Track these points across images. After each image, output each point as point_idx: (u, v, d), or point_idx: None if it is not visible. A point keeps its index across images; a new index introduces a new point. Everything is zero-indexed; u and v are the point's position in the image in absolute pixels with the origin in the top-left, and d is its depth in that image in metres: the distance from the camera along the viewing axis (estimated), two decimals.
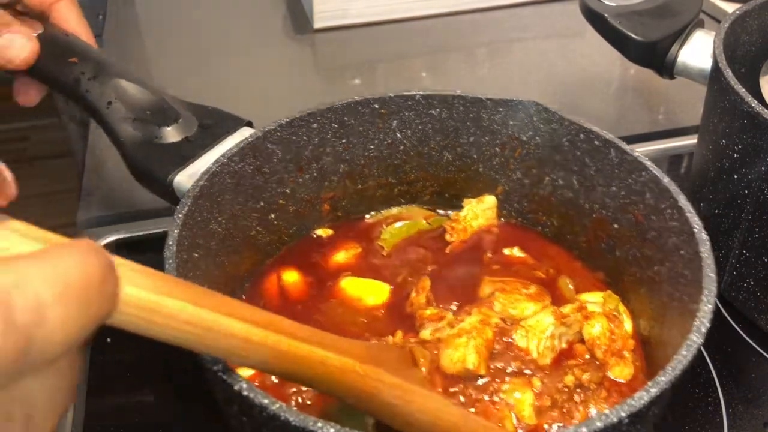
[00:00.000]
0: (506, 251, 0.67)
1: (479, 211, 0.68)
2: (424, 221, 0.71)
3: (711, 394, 0.64)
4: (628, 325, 0.60)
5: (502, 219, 0.70)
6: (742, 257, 0.67)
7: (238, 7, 1.24)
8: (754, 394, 0.65)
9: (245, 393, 0.42)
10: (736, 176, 0.66)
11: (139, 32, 1.20)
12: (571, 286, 0.64)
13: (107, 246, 0.80)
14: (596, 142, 0.62)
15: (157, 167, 0.61)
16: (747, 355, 0.68)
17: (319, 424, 0.41)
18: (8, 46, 0.63)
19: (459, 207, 0.69)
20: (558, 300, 0.62)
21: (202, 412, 0.62)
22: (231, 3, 1.25)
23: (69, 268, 0.29)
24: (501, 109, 0.66)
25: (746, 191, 0.65)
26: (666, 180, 0.57)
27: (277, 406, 0.41)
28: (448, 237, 0.68)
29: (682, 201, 0.55)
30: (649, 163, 0.58)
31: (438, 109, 0.67)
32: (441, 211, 0.72)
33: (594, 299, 0.62)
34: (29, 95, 0.70)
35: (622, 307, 0.61)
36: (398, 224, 0.70)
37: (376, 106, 0.66)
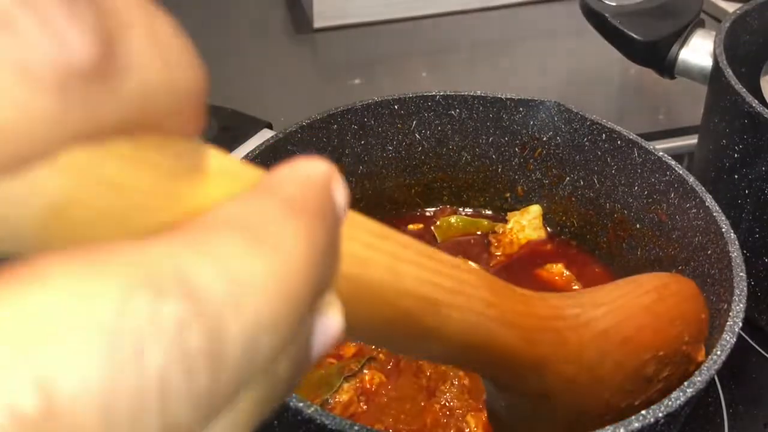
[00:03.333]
0: (551, 267, 0.66)
1: (525, 222, 0.67)
2: (486, 221, 0.70)
3: (711, 394, 0.64)
4: None
5: (549, 229, 0.69)
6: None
7: (237, 6, 1.23)
8: (755, 395, 0.65)
9: None
10: (736, 176, 0.67)
11: None
12: None
13: None
14: (619, 142, 0.62)
15: None
16: (747, 355, 0.68)
17: (356, 428, 0.41)
18: None
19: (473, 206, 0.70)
20: None
21: None
22: (230, 3, 1.24)
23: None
24: (521, 109, 0.66)
25: (746, 191, 0.66)
26: (691, 179, 0.57)
27: (313, 409, 0.41)
28: (493, 250, 0.67)
29: (709, 201, 0.55)
30: (673, 163, 0.58)
31: (458, 110, 0.66)
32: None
33: None
34: None
35: None
36: (453, 219, 0.70)
37: (396, 107, 0.66)
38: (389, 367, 0.57)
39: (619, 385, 0.44)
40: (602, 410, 0.44)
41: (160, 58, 0.17)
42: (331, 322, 0.21)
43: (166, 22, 0.18)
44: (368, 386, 0.55)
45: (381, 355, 0.57)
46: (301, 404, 0.41)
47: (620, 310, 0.45)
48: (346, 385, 0.55)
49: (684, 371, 0.48)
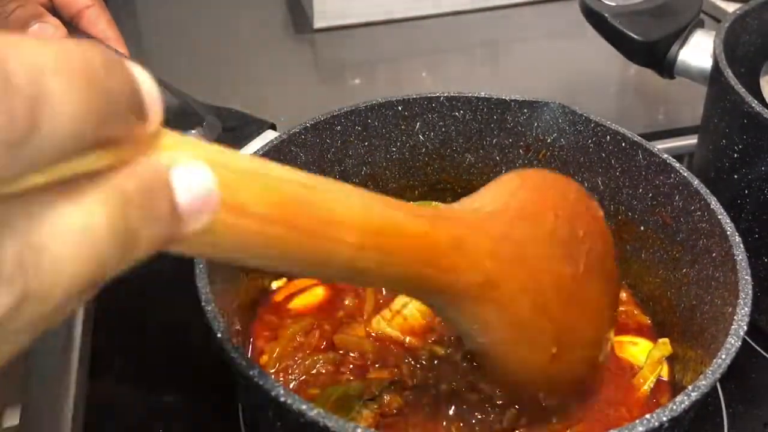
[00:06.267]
0: None
1: None
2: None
3: (711, 394, 0.64)
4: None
5: None
6: None
7: (237, 6, 1.23)
8: (754, 395, 0.65)
9: (282, 399, 0.42)
10: (736, 176, 0.67)
11: (139, 33, 1.19)
12: None
13: None
14: (623, 144, 0.62)
15: None
16: (747, 355, 0.68)
17: (359, 430, 0.40)
18: (37, 35, 0.62)
19: None
20: None
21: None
22: (231, 3, 1.24)
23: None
24: (525, 111, 0.66)
25: (746, 191, 0.66)
26: (696, 182, 0.57)
27: (315, 411, 0.41)
28: None
29: (714, 204, 0.55)
30: (678, 165, 0.58)
31: (462, 111, 0.66)
32: None
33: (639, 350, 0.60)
34: None
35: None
36: None
37: (400, 108, 0.66)
38: (409, 394, 0.55)
39: (545, 252, 0.47)
40: (551, 279, 0.47)
41: (78, 92, 0.21)
42: (195, 176, 0.25)
43: (79, 51, 0.22)
44: (387, 410, 0.53)
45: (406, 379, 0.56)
46: (304, 406, 0.41)
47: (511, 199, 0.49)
48: (365, 412, 0.53)
49: (595, 228, 0.52)
